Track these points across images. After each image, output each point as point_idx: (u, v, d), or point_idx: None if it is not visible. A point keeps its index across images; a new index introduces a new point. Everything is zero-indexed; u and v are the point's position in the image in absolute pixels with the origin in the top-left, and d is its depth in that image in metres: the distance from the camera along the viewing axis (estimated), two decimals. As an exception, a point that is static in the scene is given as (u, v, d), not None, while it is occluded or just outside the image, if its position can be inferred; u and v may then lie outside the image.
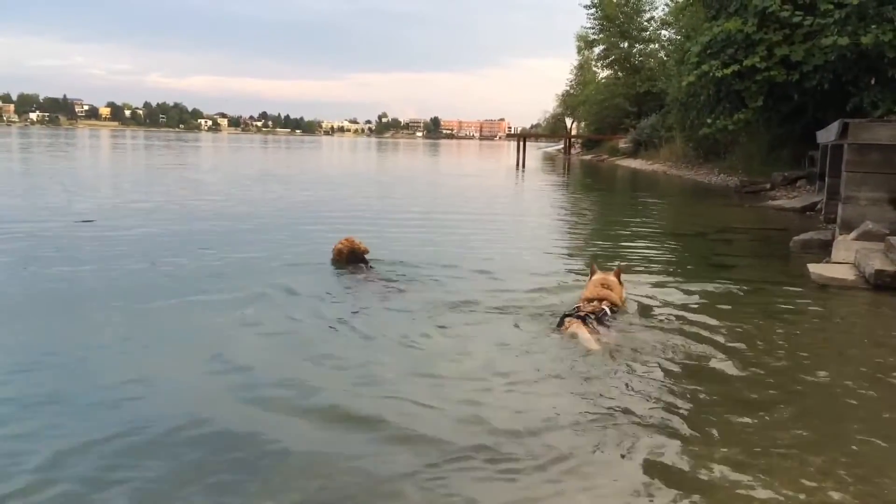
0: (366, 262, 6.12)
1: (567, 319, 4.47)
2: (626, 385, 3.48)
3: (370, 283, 5.70)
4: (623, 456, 2.75)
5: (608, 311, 4.64)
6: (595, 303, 4.71)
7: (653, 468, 2.65)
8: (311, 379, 3.52)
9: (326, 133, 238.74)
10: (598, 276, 5.01)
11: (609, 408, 3.19)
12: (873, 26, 13.89)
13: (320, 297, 5.24)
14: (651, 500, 2.45)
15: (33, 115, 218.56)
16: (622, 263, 6.00)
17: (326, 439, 2.87)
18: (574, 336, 4.26)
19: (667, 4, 39.51)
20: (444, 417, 3.07)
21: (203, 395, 3.33)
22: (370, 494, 2.46)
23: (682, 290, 5.56)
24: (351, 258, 6.10)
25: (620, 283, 5.04)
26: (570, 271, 6.43)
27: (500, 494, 2.47)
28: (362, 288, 5.59)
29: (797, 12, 15.19)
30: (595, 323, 4.41)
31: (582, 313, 4.49)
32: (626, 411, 3.16)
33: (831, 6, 14.59)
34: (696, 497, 2.45)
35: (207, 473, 2.58)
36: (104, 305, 4.88)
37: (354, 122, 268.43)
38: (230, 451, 2.75)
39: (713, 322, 4.63)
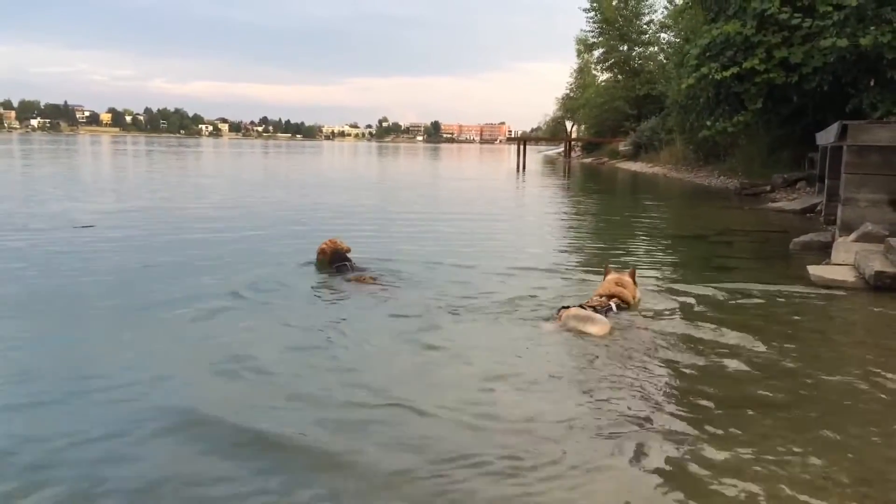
0: (349, 260, 6.21)
1: (561, 310, 4.58)
2: (624, 386, 3.47)
3: (356, 282, 5.77)
4: (621, 457, 2.73)
5: (613, 307, 4.74)
6: (603, 298, 4.82)
7: (651, 471, 2.64)
8: (301, 384, 3.51)
9: (327, 138, 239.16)
10: (613, 275, 5.18)
11: (607, 409, 3.19)
12: (872, 28, 13.88)
13: (306, 299, 5.32)
14: (649, 502, 2.44)
15: (34, 122, 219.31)
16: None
17: (322, 443, 2.86)
18: (579, 318, 4.40)
19: (666, 7, 39.67)
20: (441, 419, 3.06)
21: (177, 406, 3.21)
22: (370, 496, 2.46)
23: (682, 292, 5.55)
24: (334, 258, 6.20)
25: (635, 282, 5.17)
26: (570, 273, 6.42)
27: (501, 495, 2.46)
28: (348, 288, 5.66)
29: (796, 14, 15.18)
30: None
31: (578, 304, 4.62)
32: (623, 412, 3.15)
33: (830, 8, 14.59)
34: (694, 499, 2.45)
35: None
36: (93, 309, 4.93)
37: (355, 126, 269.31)
38: (229, 450, 2.74)
39: (713, 323, 4.62)
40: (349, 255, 6.30)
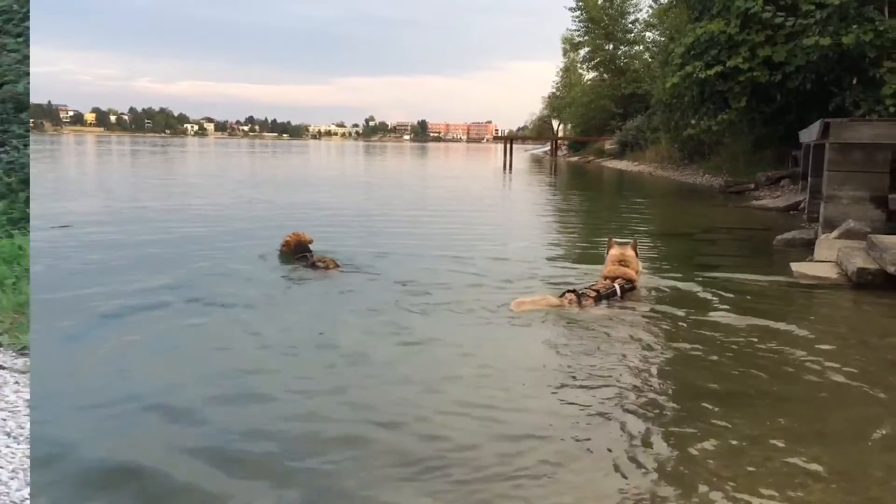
0: (311, 252, 6.56)
1: (566, 293, 4.83)
2: (607, 383, 3.47)
3: (318, 271, 6.10)
4: (602, 455, 2.72)
5: (618, 291, 4.80)
6: (607, 281, 4.93)
7: (631, 467, 2.62)
8: (289, 382, 3.48)
9: (313, 137, 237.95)
10: (616, 251, 5.23)
11: (591, 406, 3.18)
12: (854, 26, 14.00)
13: (270, 291, 5.47)
14: (633, 499, 2.42)
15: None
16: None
17: (317, 441, 2.82)
18: (531, 303, 4.66)
19: (651, 6, 39.81)
20: (427, 417, 3.04)
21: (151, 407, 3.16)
22: (361, 497, 2.43)
23: (667, 290, 5.55)
24: (297, 249, 6.57)
25: (637, 255, 5.30)
26: (554, 268, 6.40)
27: (489, 494, 2.44)
28: (312, 275, 6.01)
29: (779, 13, 15.27)
30: (575, 298, 4.71)
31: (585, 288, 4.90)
32: (608, 410, 3.14)
33: (813, 7, 14.68)
34: (677, 495, 2.43)
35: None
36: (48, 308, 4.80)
37: (342, 125, 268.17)
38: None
39: (696, 321, 4.63)
40: (311, 245, 6.67)
